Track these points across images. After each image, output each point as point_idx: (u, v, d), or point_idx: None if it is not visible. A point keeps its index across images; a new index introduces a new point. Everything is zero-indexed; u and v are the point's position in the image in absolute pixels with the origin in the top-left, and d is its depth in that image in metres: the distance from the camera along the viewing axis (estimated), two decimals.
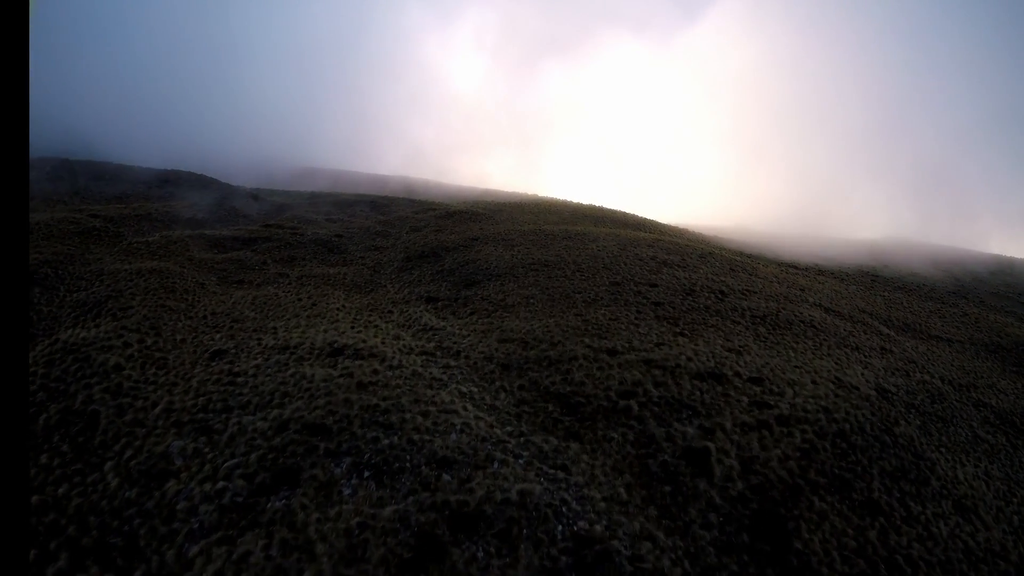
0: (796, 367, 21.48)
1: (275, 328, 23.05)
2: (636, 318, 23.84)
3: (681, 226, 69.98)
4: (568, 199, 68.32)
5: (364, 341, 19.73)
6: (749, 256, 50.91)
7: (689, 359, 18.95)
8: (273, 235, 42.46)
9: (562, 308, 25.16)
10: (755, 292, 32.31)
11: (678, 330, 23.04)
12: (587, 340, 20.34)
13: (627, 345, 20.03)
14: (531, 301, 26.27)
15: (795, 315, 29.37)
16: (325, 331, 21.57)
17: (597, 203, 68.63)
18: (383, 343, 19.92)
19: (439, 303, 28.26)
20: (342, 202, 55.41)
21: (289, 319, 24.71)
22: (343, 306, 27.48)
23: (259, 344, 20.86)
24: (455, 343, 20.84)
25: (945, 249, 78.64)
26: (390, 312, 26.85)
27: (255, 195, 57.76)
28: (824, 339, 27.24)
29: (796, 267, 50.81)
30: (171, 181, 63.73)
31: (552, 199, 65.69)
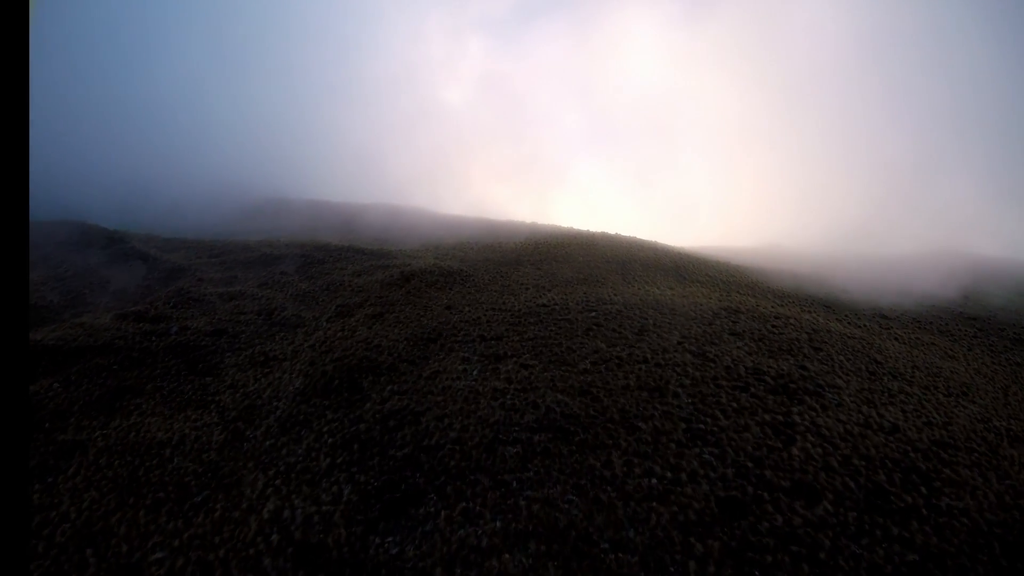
0: None
1: None
2: None
3: (714, 252, 53.75)
4: (580, 227, 51.94)
5: None
6: (844, 315, 34.99)
7: None
8: (119, 337, 26.40)
9: None
10: (950, 447, 16.17)
11: None
12: None
13: None
14: None
15: None
16: None
17: (610, 222, 52.52)
18: None
19: None
20: (263, 259, 39.16)
21: None
22: None
23: None
24: None
25: (984, 260, 62.60)
26: None
27: (145, 255, 41.63)
28: None
29: (887, 317, 35.61)
30: (66, 241, 47.73)
31: (561, 232, 49.10)
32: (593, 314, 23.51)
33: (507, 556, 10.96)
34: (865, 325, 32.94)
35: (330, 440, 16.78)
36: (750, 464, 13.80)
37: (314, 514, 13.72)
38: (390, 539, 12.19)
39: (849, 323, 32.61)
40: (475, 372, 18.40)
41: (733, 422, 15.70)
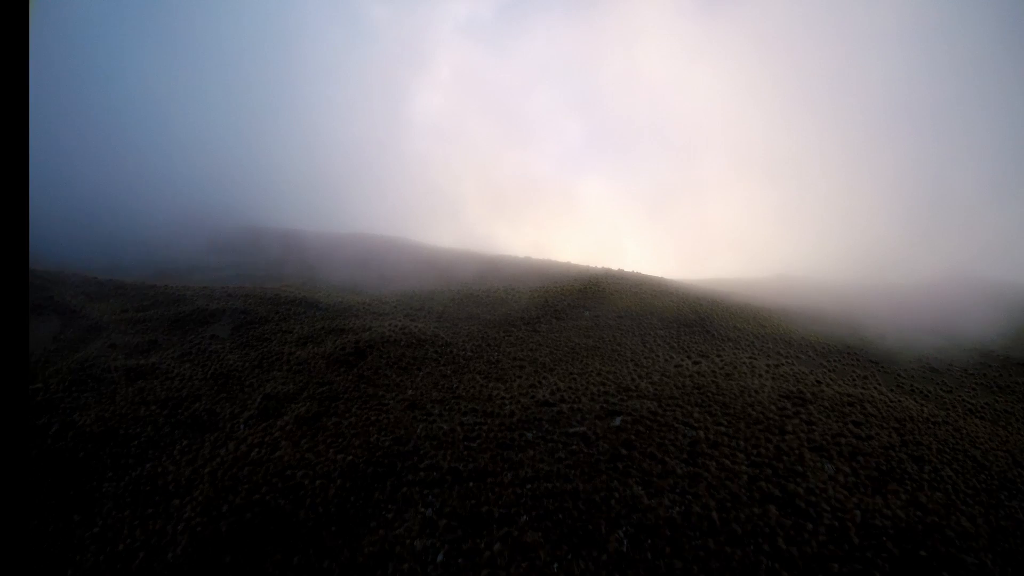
0: None
1: None
2: None
3: (728, 288, 47.66)
4: (581, 263, 45.39)
5: None
6: (898, 375, 29.47)
7: None
8: None
9: None
10: None
11: None
12: None
13: None
14: None
15: None
16: None
17: (616, 248, 46.20)
18: None
19: None
20: (195, 315, 32.03)
21: None
22: None
23: None
24: None
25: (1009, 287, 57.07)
26: None
27: (64, 308, 34.40)
28: None
29: (938, 371, 30.67)
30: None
31: (562, 272, 42.33)
32: (618, 423, 16.63)
33: None
34: (930, 392, 27.73)
35: None
36: None
37: None
38: None
39: (918, 395, 27.04)
40: (440, 556, 11.46)
41: None
